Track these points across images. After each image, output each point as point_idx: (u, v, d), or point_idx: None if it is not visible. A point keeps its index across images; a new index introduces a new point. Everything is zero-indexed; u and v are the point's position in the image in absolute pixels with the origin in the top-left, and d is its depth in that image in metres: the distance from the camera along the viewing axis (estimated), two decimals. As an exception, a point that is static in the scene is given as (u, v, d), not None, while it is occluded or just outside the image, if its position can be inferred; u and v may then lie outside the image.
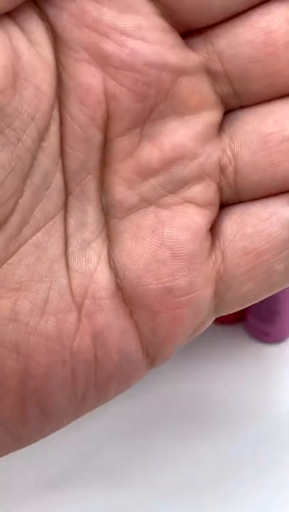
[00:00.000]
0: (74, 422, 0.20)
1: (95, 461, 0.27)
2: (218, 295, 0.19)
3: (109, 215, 0.19)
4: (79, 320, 0.18)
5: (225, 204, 0.20)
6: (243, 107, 0.19)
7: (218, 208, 0.19)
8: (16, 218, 0.17)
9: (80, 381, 0.19)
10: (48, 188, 0.18)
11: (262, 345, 0.30)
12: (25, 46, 0.17)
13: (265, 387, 0.29)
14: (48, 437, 0.20)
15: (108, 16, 0.17)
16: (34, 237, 0.18)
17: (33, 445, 0.20)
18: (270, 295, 0.20)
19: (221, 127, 0.19)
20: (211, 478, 0.27)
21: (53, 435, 0.20)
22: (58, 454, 0.27)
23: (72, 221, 0.18)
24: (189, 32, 0.18)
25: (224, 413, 0.28)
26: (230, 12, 0.18)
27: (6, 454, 0.20)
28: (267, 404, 0.28)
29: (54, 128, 0.17)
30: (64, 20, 0.17)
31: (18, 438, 0.19)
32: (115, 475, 0.27)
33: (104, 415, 0.22)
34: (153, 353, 0.20)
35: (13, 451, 0.19)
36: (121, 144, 0.18)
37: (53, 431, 0.20)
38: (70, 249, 0.18)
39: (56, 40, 0.17)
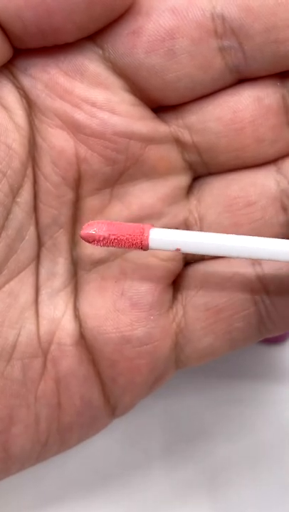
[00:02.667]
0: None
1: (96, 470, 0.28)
2: (177, 348, 0.20)
3: (78, 266, 0.20)
4: (44, 365, 0.19)
5: (189, 261, 0.20)
6: (211, 173, 0.20)
7: (181, 263, 0.20)
8: None
9: (44, 425, 0.19)
10: (22, 240, 0.19)
11: (262, 345, 0.29)
12: None
13: (265, 387, 0.28)
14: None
15: (80, 88, 0.18)
16: (7, 286, 0.19)
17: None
18: (231, 351, 0.21)
19: (190, 190, 0.20)
20: (211, 480, 0.26)
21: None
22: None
23: (43, 271, 0.19)
24: (162, 106, 0.19)
25: (224, 413, 0.28)
26: (197, 93, 0.19)
27: None
28: (267, 404, 0.28)
29: (28, 185, 0.19)
30: (38, 90, 0.18)
31: None
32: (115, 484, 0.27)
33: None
34: (114, 402, 0.20)
35: None
36: (92, 202, 0.19)
37: (17, 472, 0.20)
38: (40, 297, 0.19)
39: (30, 106, 0.19)
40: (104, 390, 0.20)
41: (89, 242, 0.18)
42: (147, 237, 0.17)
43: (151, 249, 0.17)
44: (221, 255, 0.17)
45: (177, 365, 0.21)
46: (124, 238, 0.17)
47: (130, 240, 0.17)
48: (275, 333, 0.20)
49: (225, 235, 0.17)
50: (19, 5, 0.17)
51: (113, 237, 0.17)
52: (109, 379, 0.20)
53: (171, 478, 0.27)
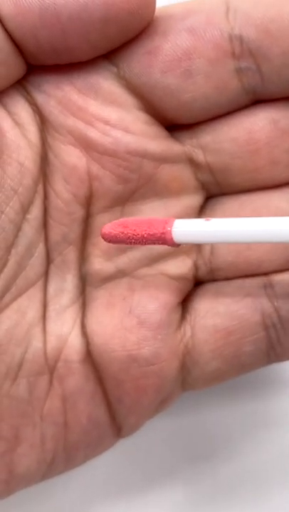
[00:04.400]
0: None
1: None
2: (184, 369, 0.20)
3: (86, 283, 0.20)
4: (50, 383, 0.19)
5: (200, 281, 0.20)
6: (224, 193, 0.20)
7: (192, 283, 0.20)
8: None
9: (50, 444, 0.19)
10: (31, 257, 0.19)
11: None
12: (10, 126, 0.18)
13: (265, 387, 0.28)
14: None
15: (93, 106, 0.18)
16: (15, 303, 0.19)
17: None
18: (239, 376, 0.20)
19: (202, 210, 0.20)
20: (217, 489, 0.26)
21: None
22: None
23: (51, 287, 0.19)
24: (177, 125, 0.19)
25: (223, 413, 0.27)
26: (213, 114, 0.19)
27: None
28: (267, 404, 0.28)
29: (38, 202, 0.18)
30: (51, 106, 0.18)
31: None
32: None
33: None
34: (120, 422, 0.20)
35: None
36: (102, 220, 0.19)
37: (19, 489, 0.20)
38: (48, 313, 0.19)
39: (43, 122, 0.18)
40: (110, 409, 0.20)
41: (110, 241, 0.17)
42: (170, 230, 0.17)
43: (177, 242, 0.17)
44: (252, 241, 0.17)
45: (183, 387, 0.20)
46: (146, 234, 0.17)
47: (153, 235, 0.17)
48: (285, 360, 0.20)
49: (252, 219, 0.17)
50: (34, 23, 0.17)
51: (133, 233, 0.17)
52: (115, 398, 0.20)
53: (172, 499, 0.27)
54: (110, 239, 0.17)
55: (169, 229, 0.17)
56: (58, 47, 0.17)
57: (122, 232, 0.17)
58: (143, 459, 0.27)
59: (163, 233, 0.17)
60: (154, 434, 0.27)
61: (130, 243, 0.17)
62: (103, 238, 0.18)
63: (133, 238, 0.17)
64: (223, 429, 0.27)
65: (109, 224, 0.18)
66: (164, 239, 0.17)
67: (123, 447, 0.24)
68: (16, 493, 0.20)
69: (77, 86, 0.18)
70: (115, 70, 0.18)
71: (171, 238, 0.17)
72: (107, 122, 0.18)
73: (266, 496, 0.27)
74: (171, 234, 0.17)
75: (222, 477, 0.27)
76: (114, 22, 0.17)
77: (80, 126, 0.18)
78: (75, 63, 0.18)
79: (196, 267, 0.20)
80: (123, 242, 0.17)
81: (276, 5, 0.18)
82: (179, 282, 0.20)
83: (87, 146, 0.18)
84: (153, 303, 0.19)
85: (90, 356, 0.19)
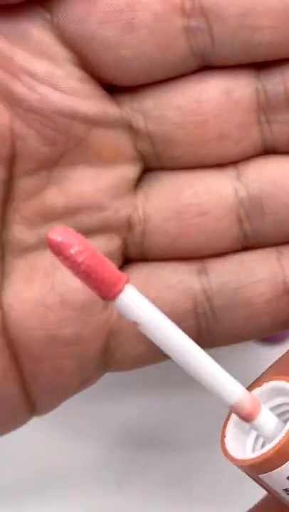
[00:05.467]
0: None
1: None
2: (108, 352, 0.19)
3: (6, 251, 0.18)
4: None
5: (130, 259, 0.19)
6: (163, 168, 0.18)
7: (120, 261, 0.19)
8: None
9: None
10: None
11: (262, 345, 0.29)
12: None
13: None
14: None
15: (20, 56, 0.16)
16: None
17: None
18: (162, 362, 0.19)
19: (138, 183, 0.19)
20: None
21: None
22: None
23: None
24: (116, 86, 0.17)
25: (222, 413, 0.28)
26: (154, 77, 0.17)
27: None
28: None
29: None
30: None
31: None
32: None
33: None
34: (35, 400, 0.19)
35: None
36: (26, 184, 0.17)
37: None
38: None
39: None
40: (24, 386, 0.19)
41: (55, 253, 0.13)
42: (119, 292, 0.13)
43: (114, 307, 0.14)
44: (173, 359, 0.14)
45: (105, 369, 0.19)
46: (92, 273, 0.13)
47: (97, 280, 0.13)
48: (211, 347, 0.18)
49: (192, 344, 0.14)
50: None
51: (83, 265, 0.13)
52: (31, 376, 0.18)
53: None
54: (53, 245, 0.13)
55: (117, 291, 0.13)
56: None
57: (71, 248, 0.13)
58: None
59: (109, 289, 0.13)
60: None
61: (67, 264, 0.13)
62: (47, 240, 0.13)
63: (75, 263, 0.13)
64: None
65: (61, 229, 0.13)
66: (105, 293, 0.13)
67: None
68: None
69: (3, 31, 0.16)
70: (48, 16, 0.16)
71: (113, 298, 0.13)
72: (33, 76, 0.16)
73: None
74: (116, 296, 0.13)
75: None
76: None
77: (4, 77, 0.16)
78: (3, 6, 0.16)
79: (125, 245, 0.18)
80: (61, 255, 0.13)
81: None
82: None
83: (11, 100, 0.16)
84: (77, 281, 0.18)
85: (5, 330, 0.18)
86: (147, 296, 0.18)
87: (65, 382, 0.19)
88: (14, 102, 0.16)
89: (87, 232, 0.18)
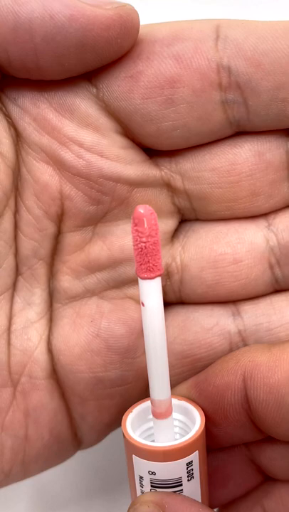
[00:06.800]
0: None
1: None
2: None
3: (54, 299, 0.19)
4: (13, 396, 0.19)
5: (168, 303, 0.20)
6: (199, 219, 0.19)
7: None
8: None
9: (8, 456, 0.19)
10: None
11: None
12: None
13: None
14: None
15: (68, 127, 0.17)
16: None
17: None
18: None
19: (175, 234, 0.20)
20: None
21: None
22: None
23: (19, 300, 0.19)
24: (156, 150, 0.18)
25: None
26: (192, 143, 0.18)
27: None
28: None
29: (9, 215, 0.18)
30: (25, 122, 0.17)
31: None
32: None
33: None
34: (81, 437, 0.20)
35: None
36: (73, 238, 0.19)
37: None
38: (14, 326, 0.19)
39: (18, 136, 0.18)
40: (72, 425, 0.20)
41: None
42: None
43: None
44: None
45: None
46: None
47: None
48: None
49: (162, 344, 0.16)
50: (6, 38, 0.16)
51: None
52: (79, 415, 0.20)
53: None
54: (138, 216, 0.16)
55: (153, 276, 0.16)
56: (29, 65, 0.16)
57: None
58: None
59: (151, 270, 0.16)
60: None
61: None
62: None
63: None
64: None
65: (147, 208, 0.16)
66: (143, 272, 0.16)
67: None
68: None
69: (53, 104, 0.17)
70: (94, 91, 0.17)
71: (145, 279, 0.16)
72: (81, 145, 0.18)
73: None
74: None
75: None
76: (91, 48, 0.16)
77: (53, 145, 0.18)
78: (54, 80, 0.17)
79: (164, 292, 0.19)
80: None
81: (269, 38, 0.16)
82: None
83: (60, 166, 0.18)
84: (121, 328, 0.19)
85: (55, 374, 0.19)
86: (185, 339, 0.19)
87: (109, 420, 0.20)
88: (63, 167, 0.18)
89: (130, 280, 0.19)
